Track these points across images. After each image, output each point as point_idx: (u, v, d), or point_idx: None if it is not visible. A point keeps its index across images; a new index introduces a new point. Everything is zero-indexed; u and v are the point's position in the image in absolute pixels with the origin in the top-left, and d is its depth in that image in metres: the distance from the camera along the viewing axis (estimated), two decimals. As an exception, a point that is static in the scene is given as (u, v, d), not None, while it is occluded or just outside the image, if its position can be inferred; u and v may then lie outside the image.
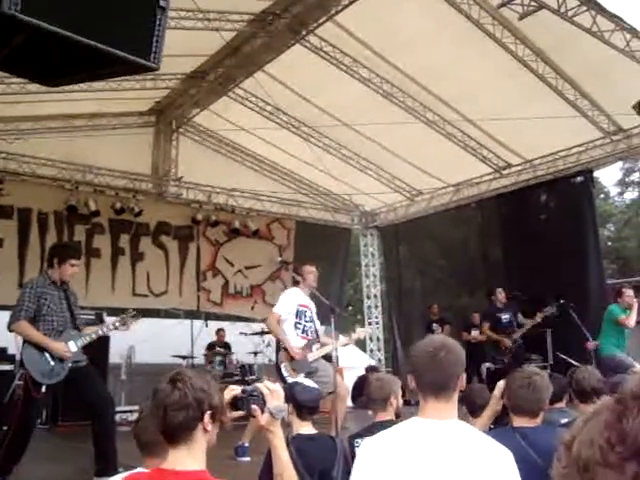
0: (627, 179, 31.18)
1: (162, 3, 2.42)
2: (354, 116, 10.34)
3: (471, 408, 3.88)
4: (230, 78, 10.00)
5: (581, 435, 0.91)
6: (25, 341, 5.60)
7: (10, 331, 5.65)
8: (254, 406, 2.24)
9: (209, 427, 1.96)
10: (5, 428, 5.66)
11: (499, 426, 3.33)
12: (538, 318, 9.76)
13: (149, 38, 2.40)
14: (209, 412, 1.95)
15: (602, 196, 29.91)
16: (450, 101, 9.86)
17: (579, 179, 10.90)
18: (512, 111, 8.88)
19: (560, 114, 8.95)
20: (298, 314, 6.55)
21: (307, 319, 6.60)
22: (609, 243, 28.84)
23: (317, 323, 6.73)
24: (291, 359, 6.31)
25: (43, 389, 5.46)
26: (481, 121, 9.95)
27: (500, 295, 10.44)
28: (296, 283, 6.94)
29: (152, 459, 2.39)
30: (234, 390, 2.28)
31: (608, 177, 29.72)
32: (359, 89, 9.76)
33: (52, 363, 5.55)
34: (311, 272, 6.77)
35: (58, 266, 5.77)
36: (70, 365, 5.61)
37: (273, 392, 2.28)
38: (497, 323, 10.26)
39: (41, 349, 5.55)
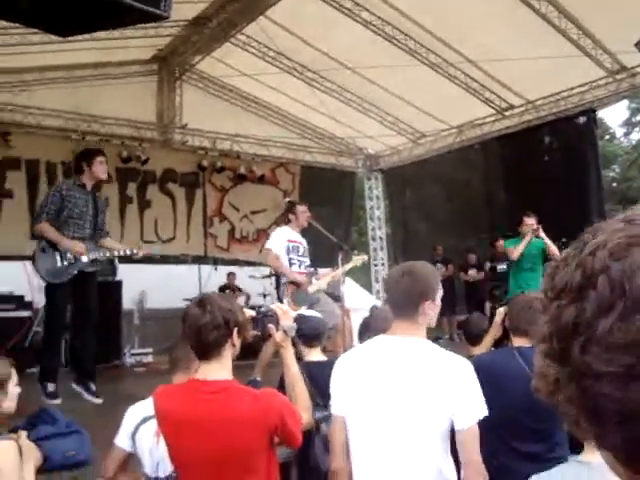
0: (633, 119, 30.93)
1: (171, -47, 2.53)
2: (357, 59, 10.33)
3: (469, 337, 4.07)
4: (232, 24, 9.97)
5: None
6: (39, 241, 5.92)
7: (32, 234, 6.00)
8: (270, 325, 2.47)
9: (237, 342, 2.20)
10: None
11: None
12: None
13: (159, -13, 2.51)
14: (236, 329, 2.18)
15: (607, 137, 29.75)
16: (452, 43, 9.82)
17: (582, 119, 10.91)
18: (514, 52, 8.87)
19: (563, 54, 8.93)
20: (290, 250, 6.65)
21: (300, 254, 6.72)
22: (614, 184, 28.80)
23: (308, 259, 6.86)
24: (295, 289, 6.49)
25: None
26: (483, 62, 9.95)
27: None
28: (288, 221, 7.00)
29: (181, 375, 2.64)
30: (248, 312, 2.51)
31: (614, 118, 29.51)
32: (361, 32, 9.73)
33: (59, 265, 5.85)
34: (304, 212, 6.85)
35: (89, 168, 6.03)
36: (76, 272, 5.91)
37: (285, 312, 2.52)
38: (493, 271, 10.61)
39: (55, 249, 5.84)
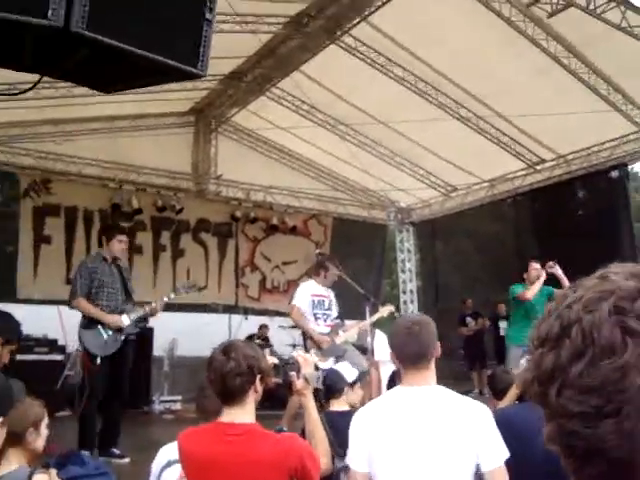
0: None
1: (208, 16, 2.69)
2: (389, 113, 10.52)
3: (494, 392, 4.06)
4: (267, 78, 10.26)
5: None
6: (82, 316, 6.04)
7: (70, 308, 6.14)
8: (292, 372, 2.54)
9: (259, 388, 2.27)
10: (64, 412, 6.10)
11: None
12: None
13: (196, 48, 2.66)
14: (259, 375, 2.26)
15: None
16: (483, 97, 9.96)
17: (614, 174, 10.89)
18: (545, 107, 8.97)
19: (593, 109, 9.00)
20: (315, 305, 6.66)
21: (326, 307, 6.71)
22: (649, 238, 28.35)
23: (335, 311, 6.84)
24: (319, 347, 6.47)
25: (98, 361, 5.87)
26: (514, 117, 10.05)
27: None
28: (316, 275, 6.96)
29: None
30: (270, 359, 2.58)
31: (649, 171, 29.27)
32: (393, 87, 9.93)
33: (105, 336, 5.96)
34: (334, 275, 6.84)
35: (107, 243, 6.27)
36: (123, 337, 6.03)
37: (307, 361, 2.59)
38: None
39: (96, 323, 5.97)
